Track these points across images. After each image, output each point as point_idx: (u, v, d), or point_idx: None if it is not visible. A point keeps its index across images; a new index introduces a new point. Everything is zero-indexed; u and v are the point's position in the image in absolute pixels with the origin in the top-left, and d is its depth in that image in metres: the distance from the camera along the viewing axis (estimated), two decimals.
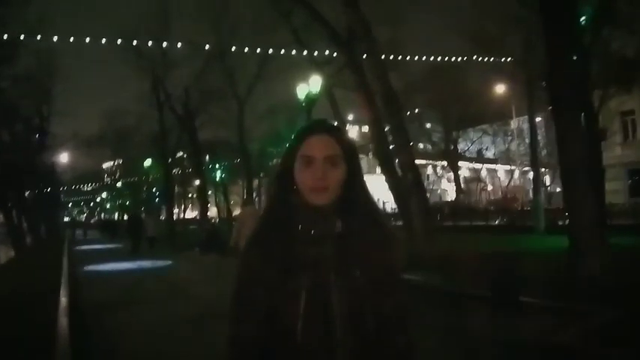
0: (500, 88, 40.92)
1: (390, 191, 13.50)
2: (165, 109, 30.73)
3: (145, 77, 30.51)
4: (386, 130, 13.57)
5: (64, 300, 8.52)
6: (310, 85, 14.84)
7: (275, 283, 1.36)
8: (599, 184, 14.17)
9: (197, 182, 54.55)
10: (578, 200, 8.53)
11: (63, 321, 6.90)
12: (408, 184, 12.06)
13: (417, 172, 12.30)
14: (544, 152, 59.80)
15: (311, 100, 15.08)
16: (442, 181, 60.78)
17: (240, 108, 29.97)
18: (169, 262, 16.80)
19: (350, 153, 1.45)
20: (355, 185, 1.45)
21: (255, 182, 39.34)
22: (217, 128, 33.46)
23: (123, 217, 58.66)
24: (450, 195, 58.78)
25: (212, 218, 38.59)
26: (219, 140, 35.14)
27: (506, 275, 8.45)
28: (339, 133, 1.46)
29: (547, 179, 60.80)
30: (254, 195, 35.75)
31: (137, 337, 6.79)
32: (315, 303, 1.34)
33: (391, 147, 13.23)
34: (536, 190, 25.12)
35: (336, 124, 1.65)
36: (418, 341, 1.49)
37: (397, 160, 12.60)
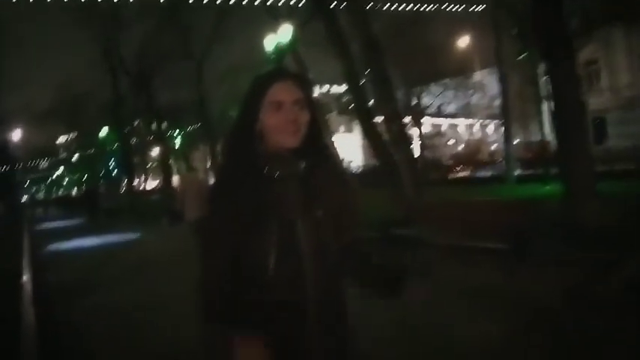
0: (463, 42, 40.60)
1: (370, 146, 12.82)
2: (120, 73, 28.91)
3: (96, 40, 28.49)
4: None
5: (27, 287, 7.54)
6: (279, 36, 13.75)
7: (244, 224, 1.42)
8: None
9: (156, 151, 53.16)
10: (575, 149, 8.39)
11: (28, 312, 5.99)
12: (393, 135, 11.37)
13: (401, 124, 11.60)
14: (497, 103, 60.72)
15: (282, 51, 14.03)
16: None
17: (198, 68, 28.50)
18: (137, 235, 15.79)
19: (311, 98, 1.52)
20: (316, 128, 1.52)
21: (219, 147, 37.98)
22: (176, 92, 31.81)
23: (87, 190, 56.36)
24: (414, 151, 58.83)
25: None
26: (179, 104, 33.41)
27: (521, 226, 7.94)
28: (302, 79, 1.55)
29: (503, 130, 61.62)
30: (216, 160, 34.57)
31: (113, 324, 5.96)
32: (284, 240, 1.43)
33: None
34: (507, 140, 25.09)
35: None
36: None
37: (381, 111, 11.84)
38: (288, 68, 1.67)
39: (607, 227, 7.47)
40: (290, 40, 13.88)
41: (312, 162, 1.51)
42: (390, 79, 11.70)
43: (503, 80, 25.32)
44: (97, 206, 23.22)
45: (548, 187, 18.41)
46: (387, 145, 12.53)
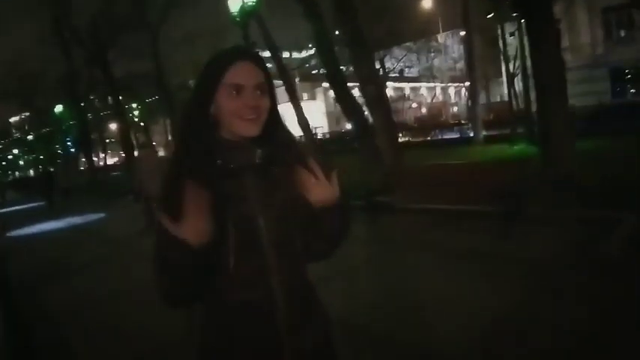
0: (427, 3, 40.04)
1: (344, 111, 12.37)
2: (72, 46, 27.31)
3: (44, 10, 26.70)
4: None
5: None
6: None
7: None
8: None
9: (114, 126, 51.35)
10: (554, 108, 8.36)
11: None
12: (370, 98, 10.91)
13: (379, 85, 11.12)
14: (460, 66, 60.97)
15: (247, 12, 13.19)
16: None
17: (153, 37, 27.19)
18: (102, 215, 14.99)
19: (271, 81, 1.39)
20: (274, 114, 1.40)
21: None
22: (132, 62, 30.40)
23: (41, 172, 54.20)
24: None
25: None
26: (135, 75, 31.98)
27: (508, 187, 7.67)
28: (262, 60, 1.38)
29: (465, 93, 62.24)
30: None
31: (89, 316, 5.41)
32: (243, 238, 1.32)
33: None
34: (473, 101, 25.04)
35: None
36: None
37: (356, 74, 11.31)
38: (249, 48, 1.41)
39: (593, 186, 7.33)
40: (254, 1, 13.05)
41: (271, 151, 1.39)
42: (365, 39, 11.15)
43: (469, 41, 25.11)
44: (52, 187, 22.43)
45: (516, 147, 18.55)
46: (361, 110, 12.22)
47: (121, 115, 27.62)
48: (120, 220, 13.68)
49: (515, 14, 21.55)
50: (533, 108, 23.72)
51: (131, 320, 5.04)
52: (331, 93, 66.26)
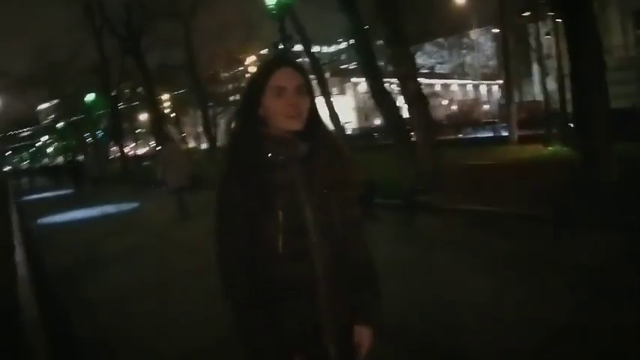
0: None
1: (379, 107, 12.08)
2: (104, 33, 27.47)
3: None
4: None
5: (22, 269, 6.78)
6: None
7: (253, 207, 1.50)
8: None
9: (144, 116, 51.74)
10: (594, 109, 8.13)
11: (28, 302, 5.27)
12: (409, 95, 10.60)
13: (417, 83, 10.80)
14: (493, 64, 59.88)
15: (284, 5, 12.99)
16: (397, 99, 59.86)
17: (186, 26, 27.21)
18: (136, 205, 14.94)
19: (310, 84, 1.60)
20: (314, 113, 1.61)
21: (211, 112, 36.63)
22: (165, 52, 30.49)
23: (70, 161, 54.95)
24: (406, 112, 58.23)
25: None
26: (168, 66, 32.05)
27: (554, 190, 7.34)
28: (301, 66, 1.61)
29: (497, 91, 61.18)
30: (209, 125, 33.39)
31: (130, 308, 5.25)
32: (291, 219, 1.51)
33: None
34: (507, 100, 24.47)
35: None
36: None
37: (395, 70, 11.03)
38: (289, 55, 1.85)
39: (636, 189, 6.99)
40: None
41: (314, 145, 1.58)
42: (407, 37, 10.82)
43: (504, 39, 24.55)
44: (80, 176, 23.16)
45: (551, 148, 18.06)
46: (397, 106, 11.94)
47: (153, 105, 27.67)
48: (154, 209, 13.61)
49: (551, 13, 21.02)
50: (568, 108, 23.02)
51: (175, 312, 4.87)
52: (360, 88, 65.87)
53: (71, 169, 24.72)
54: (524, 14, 23.46)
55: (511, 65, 23.69)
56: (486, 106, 60.45)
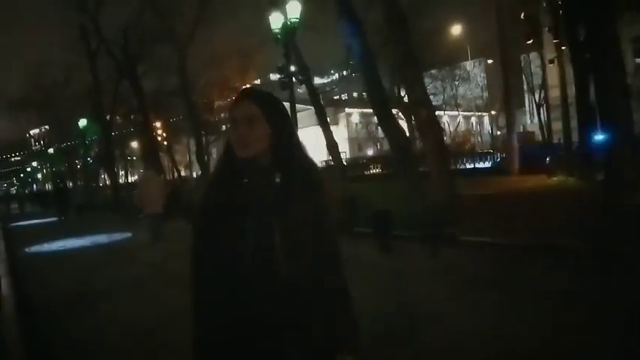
0: (456, 30, 39.50)
1: (387, 134, 11.68)
2: (99, 57, 27.04)
3: (71, 19, 26.52)
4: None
5: (8, 305, 6.10)
6: (288, 13, 12.33)
7: (226, 227, 1.56)
8: None
9: (135, 144, 51.16)
10: (620, 132, 8.04)
11: (14, 341, 4.62)
12: (421, 122, 10.18)
13: (431, 108, 10.38)
14: (485, 95, 60.23)
15: (290, 30, 12.63)
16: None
17: (181, 53, 26.94)
18: (129, 234, 14.24)
19: (271, 112, 1.64)
20: (282, 139, 1.64)
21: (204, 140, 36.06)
22: (160, 79, 30.10)
23: (56, 187, 53.96)
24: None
25: (173, 181, 35.16)
26: (163, 92, 31.59)
27: (598, 223, 6.83)
28: (259, 96, 1.66)
29: (487, 122, 61.42)
30: (202, 153, 32.81)
31: (123, 349, 4.62)
32: (260, 242, 1.54)
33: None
34: (509, 130, 24.28)
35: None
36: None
37: (407, 96, 10.64)
38: (252, 89, 1.76)
39: None
40: (298, 18, 12.49)
41: (286, 172, 1.63)
42: (419, 60, 10.47)
43: (504, 70, 24.52)
44: (66, 202, 23.19)
45: (555, 178, 17.74)
46: (404, 133, 11.65)
47: (147, 131, 27.08)
48: (149, 240, 12.95)
49: (555, 40, 20.94)
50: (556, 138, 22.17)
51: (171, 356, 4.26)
52: (353, 119, 65.69)
53: (57, 194, 24.69)
54: (528, 42, 23.29)
55: (501, 97, 23.46)
56: (478, 138, 60.67)
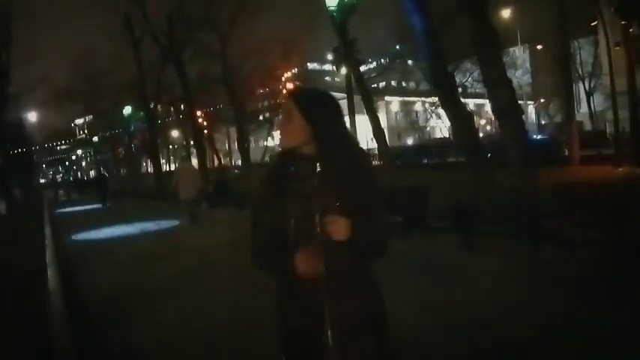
0: (505, 13, 37.71)
1: (452, 120, 10.74)
2: (143, 45, 26.83)
3: (117, 6, 26.28)
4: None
5: (57, 307, 5.46)
6: None
7: (276, 210, 1.80)
8: None
9: (175, 133, 51.20)
10: None
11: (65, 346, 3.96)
12: (500, 104, 9.14)
13: (511, 89, 9.32)
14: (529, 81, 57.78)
15: (346, 7, 11.72)
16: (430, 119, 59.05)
17: (222, 40, 26.47)
18: (176, 223, 13.69)
19: (309, 108, 1.82)
20: (320, 132, 1.82)
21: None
22: (203, 66, 29.70)
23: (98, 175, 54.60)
24: (440, 133, 57.06)
25: (221, 168, 34.74)
26: (207, 78, 31.15)
27: None
28: (298, 93, 1.93)
29: (532, 111, 59.06)
30: (244, 141, 32.24)
31: None
32: (304, 225, 1.75)
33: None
34: (569, 119, 22.76)
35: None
36: None
37: (484, 76, 9.62)
38: (296, 89, 2.19)
39: None
40: None
41: (327, 161, 1.80)
42: (498, 37, 9.38)
43: (564, 55, 22.95)
44: (107, 189, 24.48)
45: (621, 169, 16.60)
46: (472, 118, 10.75)
47: (194, 118, 26.61)
48: (197, 228, 12.37)
49: (623, 22, 19.36)
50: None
51: None
52: (393, 107, 64.25)
53: (97, 181, 26.21)
54: (592, 24, 21.73)
55: (550, 84, 22.04)
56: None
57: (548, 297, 4.76)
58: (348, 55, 13.10)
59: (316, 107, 1.83)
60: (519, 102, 40.19)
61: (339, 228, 1.67)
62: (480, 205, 7.74)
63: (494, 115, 9.46)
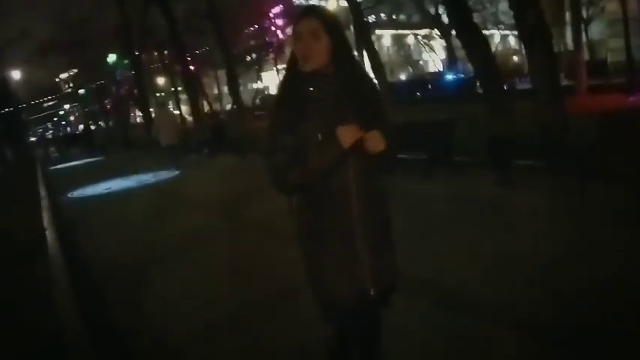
0: None
1: (468, 48, 9.94)
2: None
3: None
4: None
5: (58, 268, 4.87)
6: None
7: (295, 129, 1.83)
8: None
9: (161, 80, 49.55)
10: None
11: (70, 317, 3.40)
12: (527, 28, 8.30)
13: (539, 12, 8.44)
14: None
15: None
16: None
17: None
18: (176, 173, 13.00)
19: (331, 27, 1.86)
20: (342, 53, 1.88)
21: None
22: (188, 4, 28.09)
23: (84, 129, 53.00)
24: (433, 66, 56.07)
25: (216, 112, 33.66)
26: (195, 15, 29.47)
27: None
28: (320, 12, 1.91)
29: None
30: (235, 84, 31.05)
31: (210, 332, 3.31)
32: (329, 138, 1.79)
33: None
34: (577, 46, 21.75)
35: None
36: None
37: None
38: (314, 6, 1.98)
39: None
40: None
41: (344, 81, 1.88)
42: None
43: None
44: (92, 144, 25.61)
45: (632, 99, 16.11)
46: (488, 45, 9.94)
47: (184, 59, 25.14)
48: (199, 179, 11.72)
49: None
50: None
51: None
52: (384, 42, 62.65)
53: (84, 135, 27.60)
54: None
55: (550, 13, 20.81)
56: (515, 57, 56.97)
57: (613, 238, 4.20)
58: None
59: (338, 27, 1.89)
60: (513, 32, 38.72)
61: (377, 140, 1.78)
62: (512, 139, 7.06)
63: (522, 42, 8.62)
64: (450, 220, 5.35)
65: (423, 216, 5.57)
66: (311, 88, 1.86)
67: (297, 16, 1.89)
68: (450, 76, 36.38)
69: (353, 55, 1.95)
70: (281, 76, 2.02)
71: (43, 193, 12.04)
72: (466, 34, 9.86)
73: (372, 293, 1.88)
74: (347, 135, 1.76)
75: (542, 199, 5.62)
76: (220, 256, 5.31)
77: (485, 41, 10.01)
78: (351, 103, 1.84)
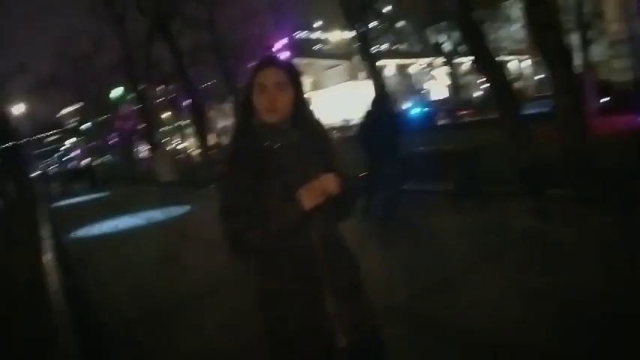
0: None
1: (485, 71, 9.67)
2: (128, 21, 25.32)
3: None
4: None
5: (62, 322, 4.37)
6: None
7: (253, 187, 1.75)
8: None
9: (167, 115, 49.56)
10: None
11: None
12: (548, 49, 7.97)
13: (559, 33, 8.12)
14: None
15: None
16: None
17: (209, 8, 25.18)
18: (186, 209, 12.54)
19: (295, 80, 1.85)
20: (302, 104, 1.86)
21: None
22: (194, 39, 28.22)
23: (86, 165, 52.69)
24: (437, 94, 56.28)
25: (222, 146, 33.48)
26: (198, 50, 29.63)
27: None
28: (285, 64, 1.85)
29: (529, 66, 57.62)
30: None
31: None
32: (288, 197, 1.72)
33: None
34: (586, 66, 21.61)
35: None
36: None
37: (529, 18, 8.36)
38: (276, 57, 1.88)
39: None
40: None
41: (304, 133, 1.84)
42: None
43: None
44: (95, 180, 27.10)
45: None
46: (502, 70, 9.73)
47: (192, 93, 24.94)
48: (209, 216, 11.21)
49: None
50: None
51: None
52: (388, 71, 63.29)
53: (86, 172, 28.36)
54: None
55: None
56: (518, 83, 57.00)
57: None
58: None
59: (299, 79, 1.87)
60: (517, 57, 39.00)
61: (331, 182, 1.73)
62: (545, 166, 6.64)
63: (545, 63, 8.28)
64: (499, 255, 4.88)
65: (459, 252, 5.11)
66: (267, 142, 1.80)
67: (257, 66, 1.83)
68: (415, 110, 37.85)
69: (309, 105, 1.91)
70: None
71: (45, 232, 11.59)
72: (481, 60, 9.65)
73: (345, 344, 1.77)
74: (309, 196, 1.71)
75: (582, 232, 5.15)
76: (242, 304, 4.84)
77: (500, 67, 9.83)
78: (311, 156, 1.82)
